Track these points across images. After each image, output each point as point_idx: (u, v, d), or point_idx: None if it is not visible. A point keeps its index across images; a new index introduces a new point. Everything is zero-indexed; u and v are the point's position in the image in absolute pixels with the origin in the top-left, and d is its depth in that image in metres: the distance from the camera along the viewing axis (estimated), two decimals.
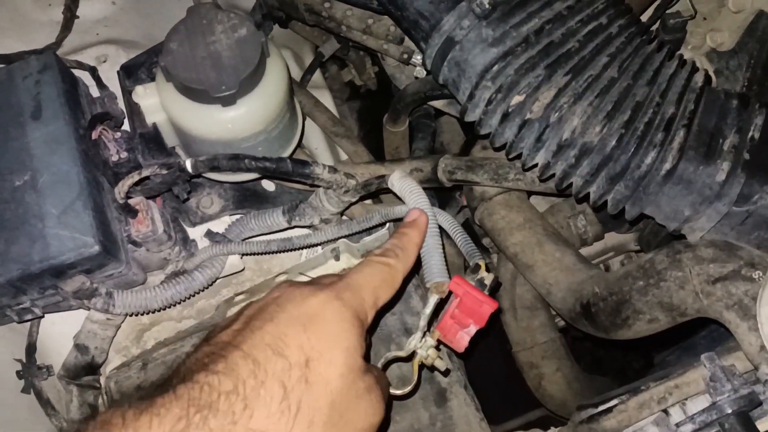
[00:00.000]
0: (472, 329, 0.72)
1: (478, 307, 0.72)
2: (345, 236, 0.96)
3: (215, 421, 0.48)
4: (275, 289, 0.62)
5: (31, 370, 0.92)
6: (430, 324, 0.74)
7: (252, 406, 0.50)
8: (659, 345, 1.04)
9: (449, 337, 0.72)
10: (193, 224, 0.98)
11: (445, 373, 0.82)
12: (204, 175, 0.87)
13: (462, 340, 0.72)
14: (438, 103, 1.19)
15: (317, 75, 1.43)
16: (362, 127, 1.67)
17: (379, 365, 0.71)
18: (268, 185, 1.03)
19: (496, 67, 0.73)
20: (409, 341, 0.73)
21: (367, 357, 0.61)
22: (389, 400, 0.65)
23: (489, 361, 1.19)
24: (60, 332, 0.95)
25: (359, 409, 0.57)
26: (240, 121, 0.83)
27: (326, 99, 1.39)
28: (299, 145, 0.98)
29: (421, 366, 0.73)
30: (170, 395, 0.49)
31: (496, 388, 1.32)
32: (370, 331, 0.64)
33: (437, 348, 0.73)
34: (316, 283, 0.63)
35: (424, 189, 1.05)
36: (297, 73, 1.41)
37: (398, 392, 0.71)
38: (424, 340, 0.73)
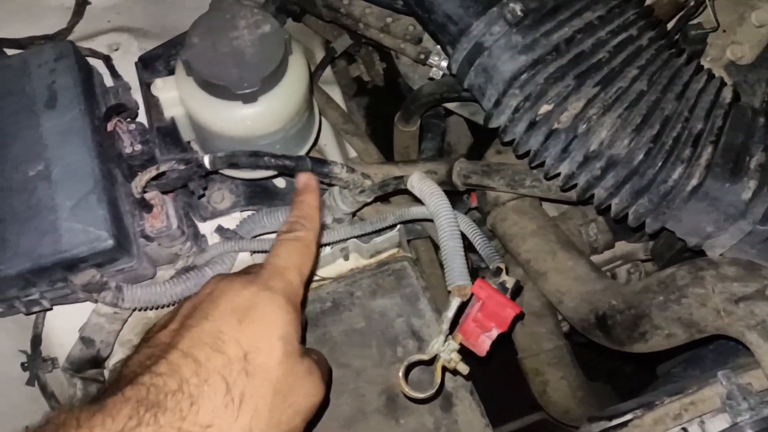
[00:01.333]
0: (494, 333, 0.72)
1: (501, 310, 0.72)
2: (357, 236, 0.96)
3: (165, 418, 0.51)
4: (207, 285, 0.65)
5: (35, 362, 0.91)
6: (452, 327, 0.74)
7: (198, 402, 0.53)
8: (660, 355, 1.04)
9: (471, 341, 0.72)
10: (204, 219, 0.97)
11: (467, 377, 0.82)
12: (220, 171, 0.86)
13: (483, 344, 0.72)
14: (451, 104, 1.19)
15: (327, 71, 1.42)
16: (369, 123, 1.66)
17: (402, 368, 0.71)
18: (279, 182, 1.02)
19: (524, 75, 0.72)
20: (432, 344, 0.73)
21: (303, 340, 0.64)
22: (329, 379, 0.68)
23: (487, 363, 1.19)
24: (65, 325, 0.94)
25: (301, 391, 0.61)
26: (260, 118, 0.81)
27: (336, 95, 1.38)
28: (316, 143, 0.97)
29: (444, 369, 0.73)
30: (120, 397, 0.51)
31: (494, 389, 1.32)
32: (303, 304, 0.67)
33: (459, 351, 0.73)
34: (245, 273, 0.67)
35: None
36: None
37: (421, 395, 0.70)
38: (447, 343, 0.72)
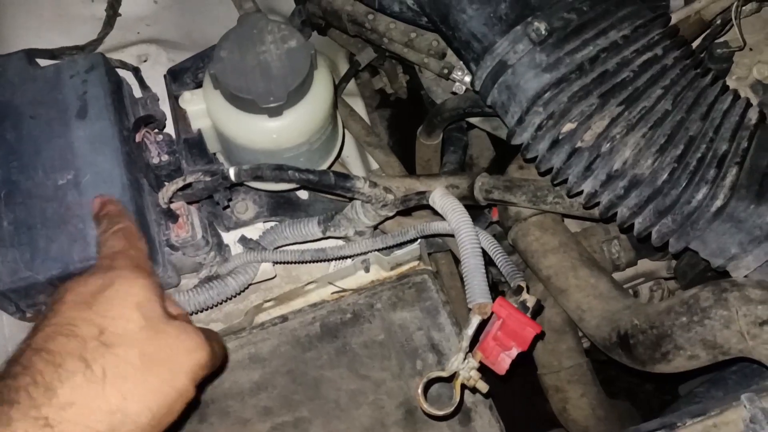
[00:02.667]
0: (514, 352, 0.72)
1: (522, 329, 0.72)
2: (378, 250, 0.96)
3: (16, 411, 0.50)
4: (57, 290, 0.64)
5: None
6: (471, 345, 0.74)
7: (53, 388, 0.52)
8: (682, 375, 1.03)
9: (491, 359, 0.72)
10: (227, 229, 0.98)
11: (487, 395, 0.82)
12: (245, 183, 0.88)
13: (503, 362, 0.72)
14: (473, 119, 1.19)
15: (351, 83, 1.43)
16: (391, 135, 1.67)
17: (421, 384, 0.71)
18: (302, 193, 1.03)
19: (548, 94, 0.72)
20: (451, 362, 0.73)
21: (168, 310, 0.63)
22: (221, 345, 0.68)
23: (506, 380, 1.18)
24: None
25: (177, 349, 0.60)
26: (285, 132, 0.82)
27: (359, 107, 1.39)
28: (339, 156, 0.98)
29: (463, 387, 0.73)
30: None
31: (514, 406, 1.31)
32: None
33: (479, 370, 0.73)
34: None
35: None
36: None
37: (440, 412, 0.70)
38: (466, 361, 0.72)
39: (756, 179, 0.70)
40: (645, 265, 1.15)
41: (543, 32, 0.72)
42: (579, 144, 0.72)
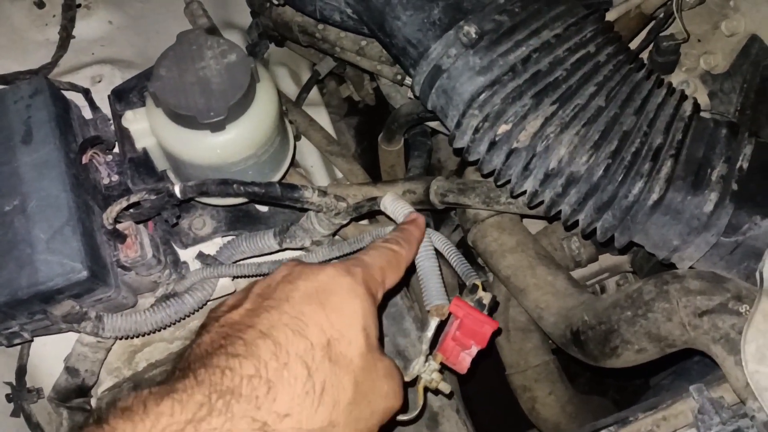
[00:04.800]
0: (474, 350, 0.72)
1: (479, 327, 0.72)
2: (336, 258, 0.96)
3: (238, 406, 0.46)
4: (283, 267, 0.60)
5: (21, 393, 0.92)
6: (431, 347, 0.74)
7: (275, 389, 0.48)
8: (657, 366, 1.03)
9: (452, 360, 0.72)
10: (185, 246, 0.98)
11: (449, 395, 0.82)
12: (195, 199, 0.88)
13: (464, 361, 0.72)
14: (432, 123, 1.19)
15: (314, 92, 1.44)
16: (360, 142, 1.67)
17: None
18: (261, 206, 1.03)
19: (483, 96, 0.73)
20: (413, 365, 0.73)
21: (381, 339, 0.60)
22: (405, 391, 0.63)
23: (482, 383, 1.19)
24: (51, 354, 0.95)
25: (381, 389, 0.56)
26: (229, 146, 0.82)
27: (322, 116, 1.39)
28: (292, 164, 0.98)
29: (426, 390, 0.73)
30: (191, 380, 0.47)
31: (490, 408, 1.31)
32: (379, 314, 0.62)
33: (440, 371, 0.73)
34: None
35: (418, 211, 1.05)
36: (294, 90, 1.41)
37: (404, 417, 0.70)
38: (427, 363, 0.73)
39: (692, 170, 0.71)
40: (608, 259, 1.15)
41: (473, 35, 0.72)
42: (515, 144, 0.72)
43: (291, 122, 1.15)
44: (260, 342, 0.50)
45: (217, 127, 0.80)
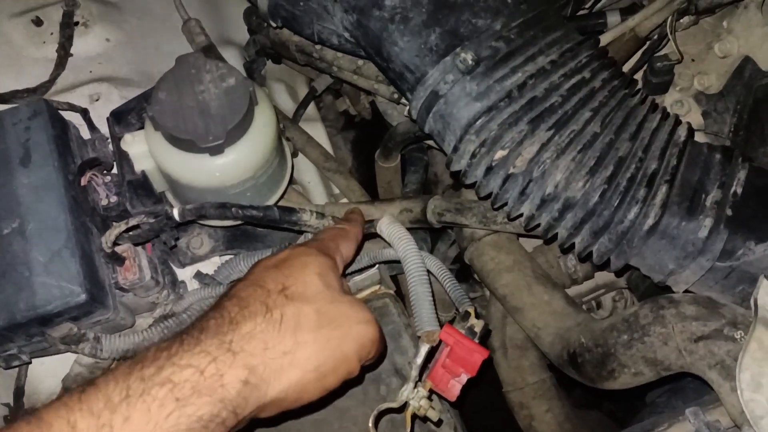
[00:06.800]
0: (464, 378, 0.73)
1: (469, 355, 0.72)
2: None
3: (206, 337, 0.56)
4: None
5: (18, 414, 0.92)
6: (421, 373, 0.74)
7: (237, 322, 0.57)
8: (653, 382, 1.04)
9: (441, 387, 0.73)
10: (183, 265, 0.99)
11: (438, 423, 0.82)
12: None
13: (453, 389, 0.73)
14: (429, 140, 1.20)
15: (311, 107, 1.44)
16: (357, 157, 1.67)
17: (372, 416, 0.72)
18: None
19: (479, 122, 0.73)
20: (401, 392, 0.73)
21: (345, 290, 0.68)
22: (381, 332, 0.68)
23: (480, 400, 1.19)
24: (48, 374, 0.95)
25: (349, 316, 0.63)
26: (228, 169, 0.83)
27: (319, 132, 1.39)
28: (290, 184, 0.99)
29: (414, 416, 0.73)
30: (175, 337, 0.57)
31: (488, 425, 1.31)
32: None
33: (429, 398, 0.73)
34: None
35: (415, 229, 1.06)
36: (291, 106, 1.41)
37: None
38: (416, 390, 0.73)
39: (687, 195, 0.71)
40: (604, 276, 1.16)
41: (470, 62, 0.72)
42: (512, 170, 0.73)
43: (288, 139, 1.15)
44: (227, 302, 0.60)
45: (216, 150, 0.80)
